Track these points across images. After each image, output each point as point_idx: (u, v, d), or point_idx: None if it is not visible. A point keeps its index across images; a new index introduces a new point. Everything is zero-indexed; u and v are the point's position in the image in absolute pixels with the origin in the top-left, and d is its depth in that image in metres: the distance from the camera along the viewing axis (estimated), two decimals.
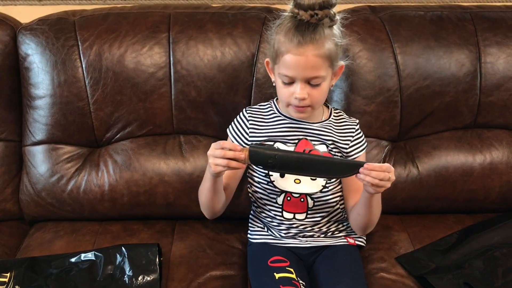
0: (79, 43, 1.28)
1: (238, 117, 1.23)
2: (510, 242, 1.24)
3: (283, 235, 1.21)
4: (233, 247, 1.29)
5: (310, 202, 1.17)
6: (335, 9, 1.07)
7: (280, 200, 1.18)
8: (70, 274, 1.14)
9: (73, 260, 1.18)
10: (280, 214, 1.19)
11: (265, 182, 1.18)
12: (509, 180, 1.34)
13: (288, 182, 1.17)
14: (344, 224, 1.24)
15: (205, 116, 1.32)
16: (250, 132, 1.19)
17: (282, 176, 1.16)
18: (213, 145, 1.04)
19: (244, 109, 1.23)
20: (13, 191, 1.34)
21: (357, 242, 1.25)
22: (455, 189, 1.35)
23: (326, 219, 1.20)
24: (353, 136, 1.20)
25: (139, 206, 1.32)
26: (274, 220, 1.20)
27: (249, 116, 1.21)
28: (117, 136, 1.33)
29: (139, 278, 1.14)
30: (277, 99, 1.23)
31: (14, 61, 1.31)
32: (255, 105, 1.26)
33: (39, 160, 1.31)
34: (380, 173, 1.01)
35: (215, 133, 1.34)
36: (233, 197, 1.33)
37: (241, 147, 1.04)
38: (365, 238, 1.28)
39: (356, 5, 1.44)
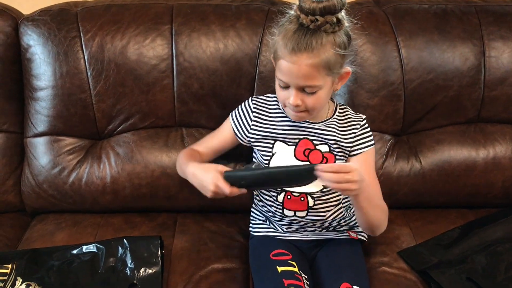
0: (81, 35, 1.27)
1: (243, 105, 1.21)
2: None
3: (284, 229, 1.21)
4: (234, 240, 1.28)
5: (311, 201, 1.16)
6: (342, 14, 1.01)
7: (280, 198, 1.17)
8: (72, 266, 1.14)
9: (74, 252, 1.17)
10: (281, 211, 1.18)
11: None
12: None
13: None
14: (347, 220, 1.23)
15: (208, 108, 1.32)
16: (253, 125, 1.18)
17: None
18: (215, 185, 1.04)
19: (250, 98, 1.21)
20: (14, 183, 1.34)
21: (359, 236, 1.24)
22: (458, 183, 1.34)
23: (327, 217, 1.19)
24: (355, 133, 1.16)
25: (141, 198, 1.32)
26: (275, 215, 1.20)
27: (254, 107, 1.19)
28: (119, 128, 1.32)
29: (141, 271, 1.13)
30: None
31: (16, 52, 1.30)
32: (262, 95, 1.23)
33: (41, 152, 1.31)
34: (333, 175, 0.97)
35: (217, 126, 1.33)
36: None
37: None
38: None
39: None
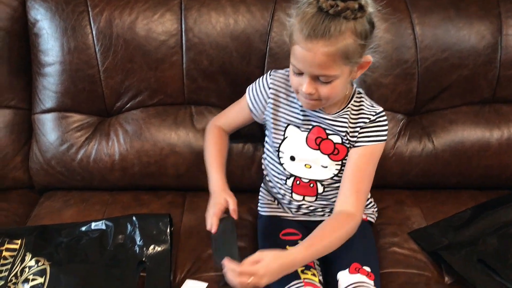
0: (89, 9, 1.25)
1: (261, 80, 1.15)
2: None
3: (293, 212, 1.19)
4: (243, 219, 1.27)
5: (320, 188, 1.14)
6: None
7: (289, 182, 1.15)
8: (80, 242, 1.14)
9: (83, 229, 1.17)
10: (290, 195, 1.17)
11: (276, 162, 1.15)
12: None
13: (298, 167, 1.13)
14: None
15: (217, 86, 1.30)
16: (269, 103, 1.12)
17: (292, 159, 1.13)
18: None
19: (268, 73, 1.14)
20: (22, 159, 1.33)
21: (368, 218, 1.23)
22: (470, 164, 1.33)
23: None
24: (362, 126, 1.08)
25: (149, 176, 1.31)
26: (284, 198, 1.19)
27: (271, 83, 1.12)
28: (128, 105, 1.31)
29: (150, 248, 1.13)
30: None
31: (23, 26, 1.28)
32: (282, 69, 1.14)
33: (49, 128, 1.30)
34: (231, 275, 0.93)
35: (227, 104, 1.31)
36: (244, 169, 1.32)
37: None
38: (376, 215, 1.26)
39: None
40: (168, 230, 1.16)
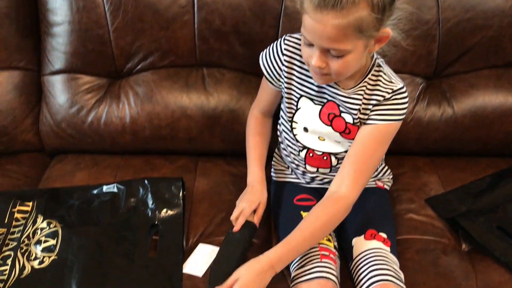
0: None
1: (274, 46, 1.07)
2: None
3: (308, 180, 1.16)
4: None
5: (334, 160, 1.10)
6: None
7: (302, 154, 1.11)
8: (92, 205, 1.13)
9: (95, 192, 1.16)
10: (304, 167, 1.13)
11: (289, 132, 1.11)
12: None
13: (311, 139, 1.09)
14: (375, 172, 1.17)
15: (230, 47, 1.25)
16: (283, 71, 1.06)
17: (305, 130, 1.09)
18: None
19: (283, 37, 1.06)
20: (33, 122, 1.31)
21: (385, 186, 1.20)
22: (491, 130, 1.29)
23: None
24: (374, 104, 0.99)
25: (161, 140, 1.29)
26: (298, 169, 1.16)
27: (285, 49, 1.05)
28: (138, 67, 1.27)
29: (162, 212, 1.12)
30: None
31: None
32: (296, 33, 1.05)
33: (58, 90, 1.27)
34: None
35: (239, 66, 1.28)
36: None
37: None
38: (391, 182, 1.23)
39: None
40: (181, 194, 1.15)
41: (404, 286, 0.96)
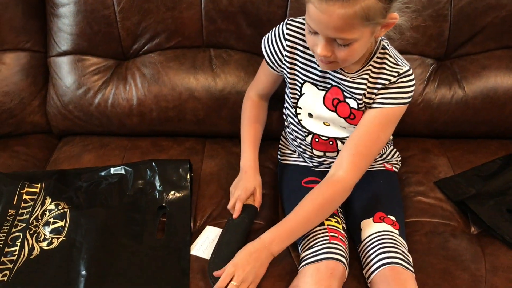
0: None
1: (276, 30, 1.05)
2: None
3: (315, 164, 1.16)
4: (264, 166, 1.24)
5: (340, 145, 1.09)
6: None
7: (308, 139, 1.11)
8: (100, 187, 1.13)
9: (102, 173, 1.16)
10: (310, 151, 1.13)
11: (294, 117, 1.10)
12: None
13: (316, 124, 1.08)
14: (383, 155, 1.17)
15: (237, 27, 1.24)
16: (285, 56, 1.04)
17: (310, 116, 1.08)
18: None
19: (285, 22, 1.03)
20: (40, 103, 1.31)
21: (394, 168, 1.19)
22: (502, 112, 1.27)
23: None
24: (378, 88, 0.98)
25: (168, 122, 1.28)
26: (305, 153, 1.15)
27: (287, 34, 1.02)
28: (145, 48, 1.26)
29: (170, 194, 1.12)
30: None
31: None
32: (299, 17, 1.03)
33: (65, 72, 1.26)
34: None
35: (247, 47, 1.27)
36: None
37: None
38: (400, 164, 1.22)
39: None
40: (188, 176, 1.14)
41: (412, 269, 0.96)
